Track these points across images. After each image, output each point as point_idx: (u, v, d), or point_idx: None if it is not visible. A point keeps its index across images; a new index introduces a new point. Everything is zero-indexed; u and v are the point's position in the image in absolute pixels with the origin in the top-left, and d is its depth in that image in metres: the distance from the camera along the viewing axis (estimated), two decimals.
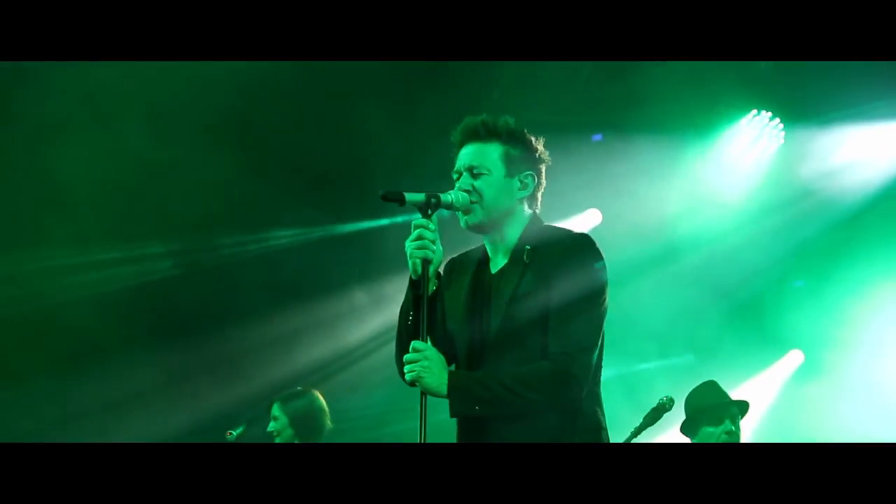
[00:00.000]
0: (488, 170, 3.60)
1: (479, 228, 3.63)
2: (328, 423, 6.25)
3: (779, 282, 8.72)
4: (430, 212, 3.48)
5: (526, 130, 3.70)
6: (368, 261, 8.30)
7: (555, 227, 3.73)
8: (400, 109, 7.74)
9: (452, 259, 3.78)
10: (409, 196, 3.46)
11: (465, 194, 3.56)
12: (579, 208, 8.27)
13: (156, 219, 7.64)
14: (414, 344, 3.45)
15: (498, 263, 3.66)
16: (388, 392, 8.16)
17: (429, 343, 3.47)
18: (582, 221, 8.44)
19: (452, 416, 3.46)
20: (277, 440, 6.16)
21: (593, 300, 3.50)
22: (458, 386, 3.40)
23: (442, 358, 3.46)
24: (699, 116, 8.12)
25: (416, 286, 3.48)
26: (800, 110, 8.20)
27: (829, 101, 7.95)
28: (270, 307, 8.13)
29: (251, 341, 8.07)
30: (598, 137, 8.43)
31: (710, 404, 5.68)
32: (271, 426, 6.18)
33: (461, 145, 3.68)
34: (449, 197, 3.53)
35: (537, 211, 3.72)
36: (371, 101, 7.52)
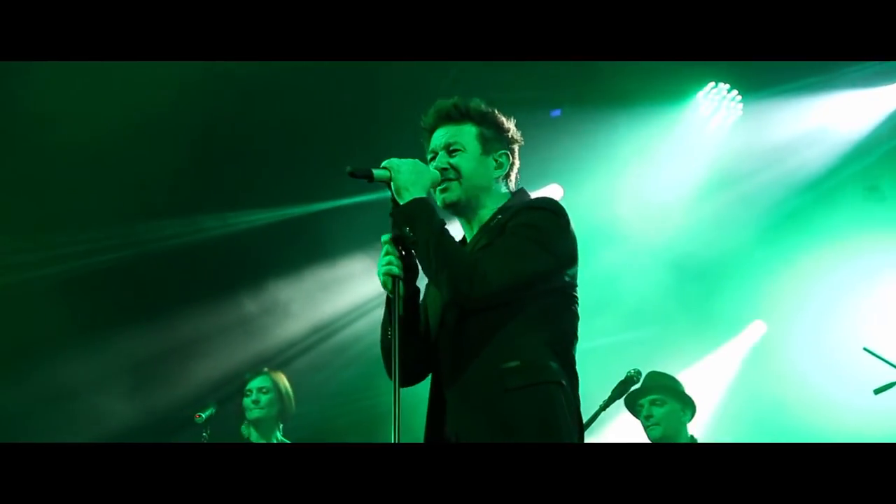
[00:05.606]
0: (464, 147, 3.57)
1: (456, 206, 3.57)
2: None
3: (741, 253, 8.75)
4: None
5: (497, 111, 3.67)
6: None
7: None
8: (359, 91, 7.73)
9: None
10: (376, 172, 3.38)
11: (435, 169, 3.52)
12: (540, 184, 8.25)
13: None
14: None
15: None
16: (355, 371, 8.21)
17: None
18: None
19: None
20: (255, 413, 5.97)
21: (534, 238, 3.35)
22: (415, 216, 3.34)
23: None
24: (658, 90, 8.11)
25: (391, 303, 3.40)
26: (757, 81, 8.22)
27: (787, 71, 7.97)
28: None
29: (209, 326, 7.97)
30: (556, 113, 8.41)
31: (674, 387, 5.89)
32: (262, 398, 5.98)
33: (433, 129, 3.64)
34: None
35: (513, 189, 3.67)
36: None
